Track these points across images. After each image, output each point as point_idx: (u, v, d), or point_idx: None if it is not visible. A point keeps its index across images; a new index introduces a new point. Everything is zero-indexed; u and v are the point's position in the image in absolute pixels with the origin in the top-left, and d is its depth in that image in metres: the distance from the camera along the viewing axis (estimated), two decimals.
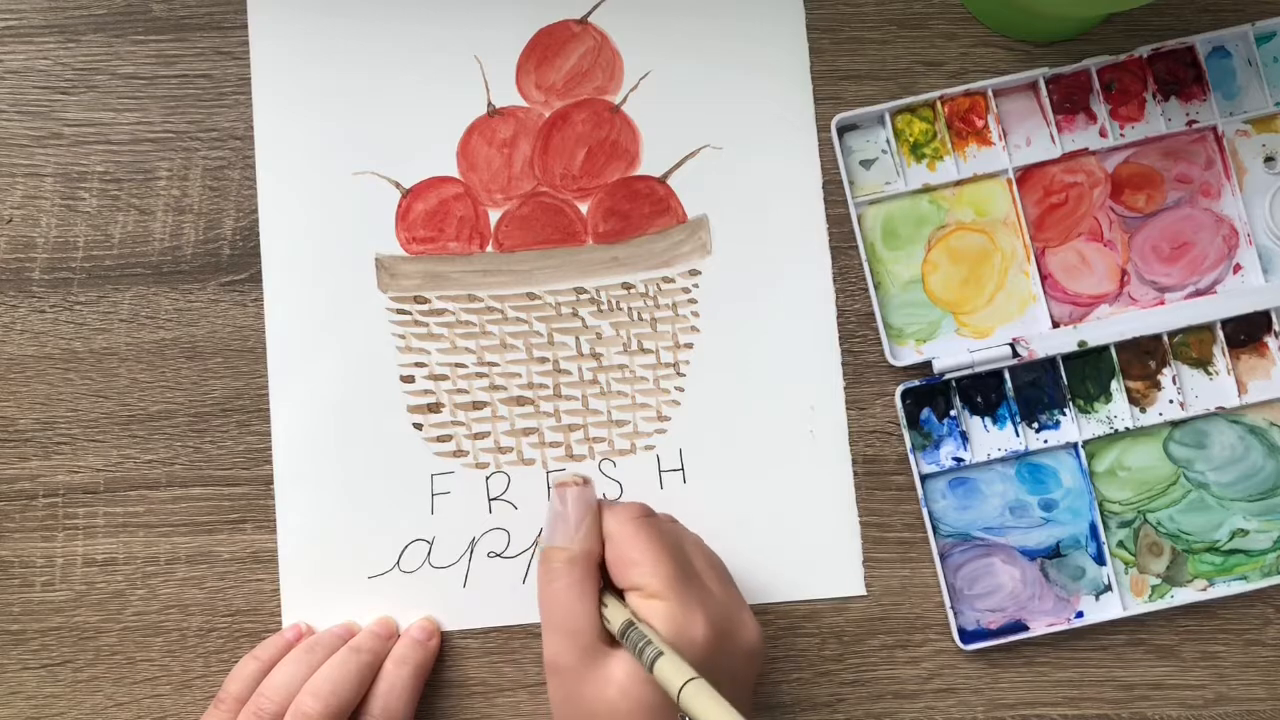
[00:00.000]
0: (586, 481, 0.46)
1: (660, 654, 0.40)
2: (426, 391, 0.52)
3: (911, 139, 0.52)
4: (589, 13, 0.53)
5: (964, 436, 0.51)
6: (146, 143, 0.53)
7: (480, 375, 0.52)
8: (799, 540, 0.51)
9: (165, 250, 0.52)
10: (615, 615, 0.43)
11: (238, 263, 0.52)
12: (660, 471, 0.51)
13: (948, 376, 0.51)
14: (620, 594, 0.44)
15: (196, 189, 0.52)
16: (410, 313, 0.52)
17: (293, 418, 0.52)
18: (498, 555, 0.51)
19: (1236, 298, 0.51)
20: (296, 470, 0.51)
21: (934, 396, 0.51)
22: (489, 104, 0.53)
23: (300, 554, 0.51)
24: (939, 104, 0.51)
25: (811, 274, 0.52)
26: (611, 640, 0.43)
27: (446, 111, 0.52)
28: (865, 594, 0.51)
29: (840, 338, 0.52)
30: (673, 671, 0.40)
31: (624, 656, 0.42)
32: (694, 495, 0.51)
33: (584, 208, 0.52)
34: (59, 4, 0.53)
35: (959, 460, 0.51)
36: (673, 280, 0.52)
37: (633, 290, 0.52)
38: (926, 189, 0.52)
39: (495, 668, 0.51)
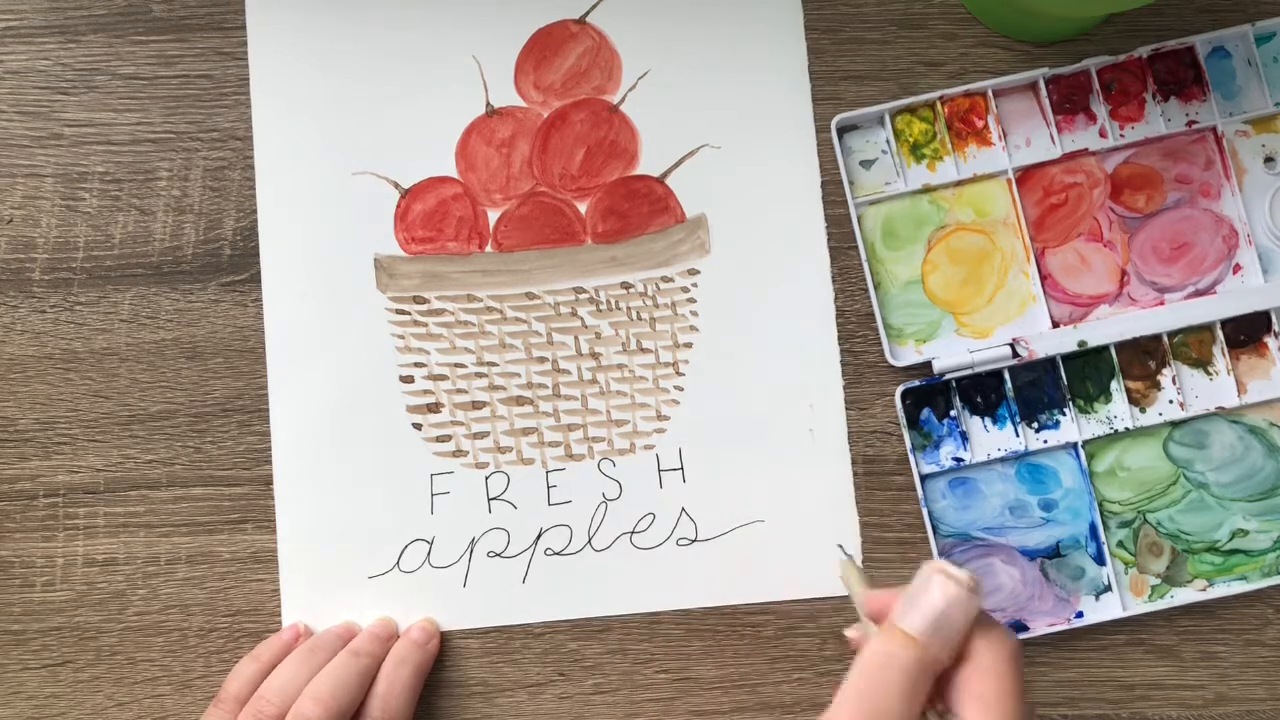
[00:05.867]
0: (976, 587, 0.38)
1: None
2: (426, 391, 0.52)
3: (911, 139, 0.52)
4: (587, 12, 0.53)
5: (964, 436, 0.51)
6: (147, 143, 0.53)
7: (479, 375, 0.52)
8: (799, 539, 0.51)
9: (165, 250, 0.52)
10: None
11: (238, 263, 0.52)
12: (660, 471, 0.51)
13: (948, 376, 0.51)
14: (940, 712, 0.39)
15: (197, 189, 0.52)
16: (409, 313, 0.52)
17: (292, 418, 0.52)
18: (497, 555, 0.51)
19: (1236, 298, 0.51)
20: (296, 470, 0.51)
21: (934, 396, 0.51)
22: (487, 104, 0.53)
23: (300, 554, 0.51)
24: (939, 104, 0.52)
25: (810, 272, 0.52)
26: None
27: (445, 112, 0.53)
28: None
29: (840, 338, 0.52)
30: None
31: None
32: (693, 494, 0.51)
33: (583, 207, 0.52)
34: (59, 4, 0.53)
35: (959, 460, 0.51)
36: (671, 279, 0.52)
37: (631, 290, 0.52)
38: (926, 189, 0.52)
39: (495, 668, 0.51)
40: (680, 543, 0.51)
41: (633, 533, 0.51)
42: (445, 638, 0.51)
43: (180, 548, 0.51)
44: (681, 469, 0.51)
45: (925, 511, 0.50)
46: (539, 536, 0.51)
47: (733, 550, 0.51)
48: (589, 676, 0.51)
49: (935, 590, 0.38)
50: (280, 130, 0.52)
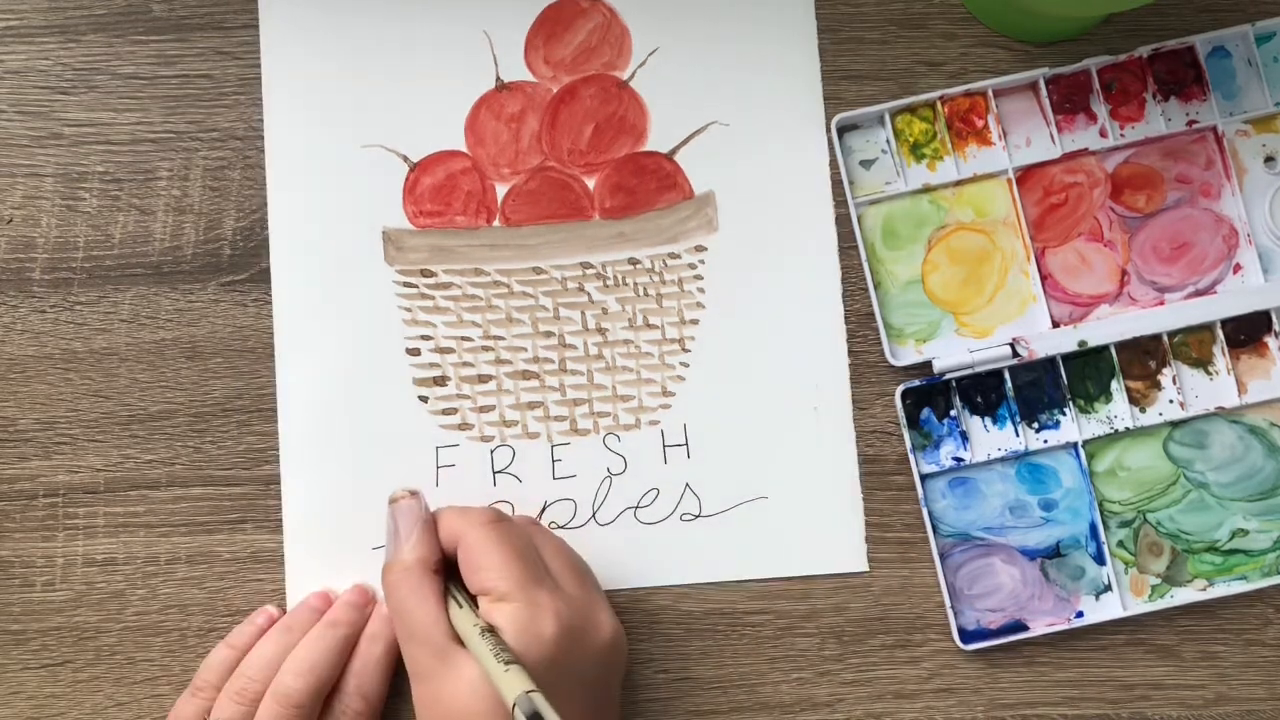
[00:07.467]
0: (415, 494, 0.47)
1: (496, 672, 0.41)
2: (432, 364, 0.52)
3: (911, 139, 0.52)
4: None
5: (964, 436, 0.51)
6: (147, 143, 0.53)
7: (486, 349, 0.52)
8: (803, 515, 0.51)
9: (165, 250, 0.52)
10: (460, 621, 0.44)
11: (238, 263, 0.52)
12: (665, 446, 0.51)
13: (948, 376, 0.51)
14: (458, 590, 0.45)
15: (197, 189, 0.52)
16: (417, 286, 0.52)
17: (299, 389, 0.52)
18: None
19: (1236, 298, 0.51)
20: (303, 441, 0.51)
21: (934, 396, 0.51)
22: (497, 79, 0.53)
23: (305, 522, 0.51)
24: (939, 104, 0.52)
25: (818, 250, 0.52)
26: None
27: (455, 86, 0.53)
28: (868, 570, 0.51)
29: None
30: (506, 689, 0.40)
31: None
32: (698, 470, 0.51)
33: (591, 183, 0.52)
34: (59, 4, 0.53)
35: (959, 460, 0.51)
36: (679, 256, 0.52)
37: (639, 265, 0.52)
38: (926, 189, 0.52)
39: None
40: (684, 518, 0.51)
41: (637, 507, 0.51)
42: None
43: (180, 548, 0.51)
44: (686, 445, 0.51)
45: (925, 511, 0.50)
46: (543, 510, 0.51)
47: (737, 526, 0.51)
48: None
49: (388, 519, 0.47)
50: (291, 102, 0.52)
